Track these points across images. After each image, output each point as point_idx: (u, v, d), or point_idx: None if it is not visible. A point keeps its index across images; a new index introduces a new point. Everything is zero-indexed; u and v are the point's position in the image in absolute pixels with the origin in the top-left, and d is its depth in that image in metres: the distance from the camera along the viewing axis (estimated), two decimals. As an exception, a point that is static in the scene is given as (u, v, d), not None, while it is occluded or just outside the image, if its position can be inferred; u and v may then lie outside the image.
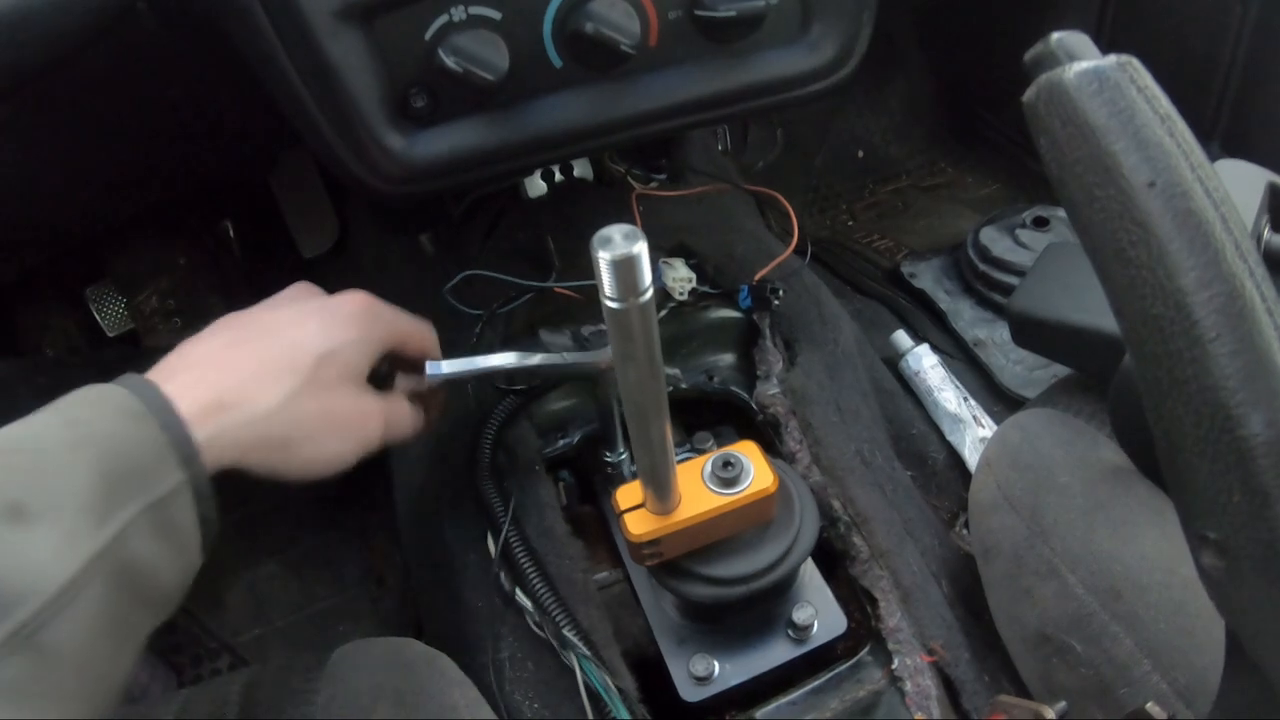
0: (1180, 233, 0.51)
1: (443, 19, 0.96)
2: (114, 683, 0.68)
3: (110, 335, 1.94)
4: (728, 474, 0.96)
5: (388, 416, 0.95)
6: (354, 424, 0.91)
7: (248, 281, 2.00)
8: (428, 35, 0.96)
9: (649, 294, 0.66)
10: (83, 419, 0.72)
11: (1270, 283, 0.52)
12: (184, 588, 0.75)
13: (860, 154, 2.34)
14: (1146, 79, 0.54)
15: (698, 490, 0.96)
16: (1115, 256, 0.53)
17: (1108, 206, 0.53)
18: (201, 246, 2.00)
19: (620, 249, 0.62)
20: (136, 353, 1.92)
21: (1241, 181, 0.92)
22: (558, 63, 1.01)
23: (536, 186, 1.50)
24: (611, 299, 0.66)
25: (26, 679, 0.60)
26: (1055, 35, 0.57)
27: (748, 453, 0.99)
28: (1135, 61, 0.54)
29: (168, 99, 1.24)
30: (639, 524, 0.95)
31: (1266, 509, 0.51)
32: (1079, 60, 0.55)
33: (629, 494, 0.97)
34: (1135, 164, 0.52)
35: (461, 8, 0.96)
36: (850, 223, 2.22)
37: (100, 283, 1.95)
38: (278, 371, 0.86)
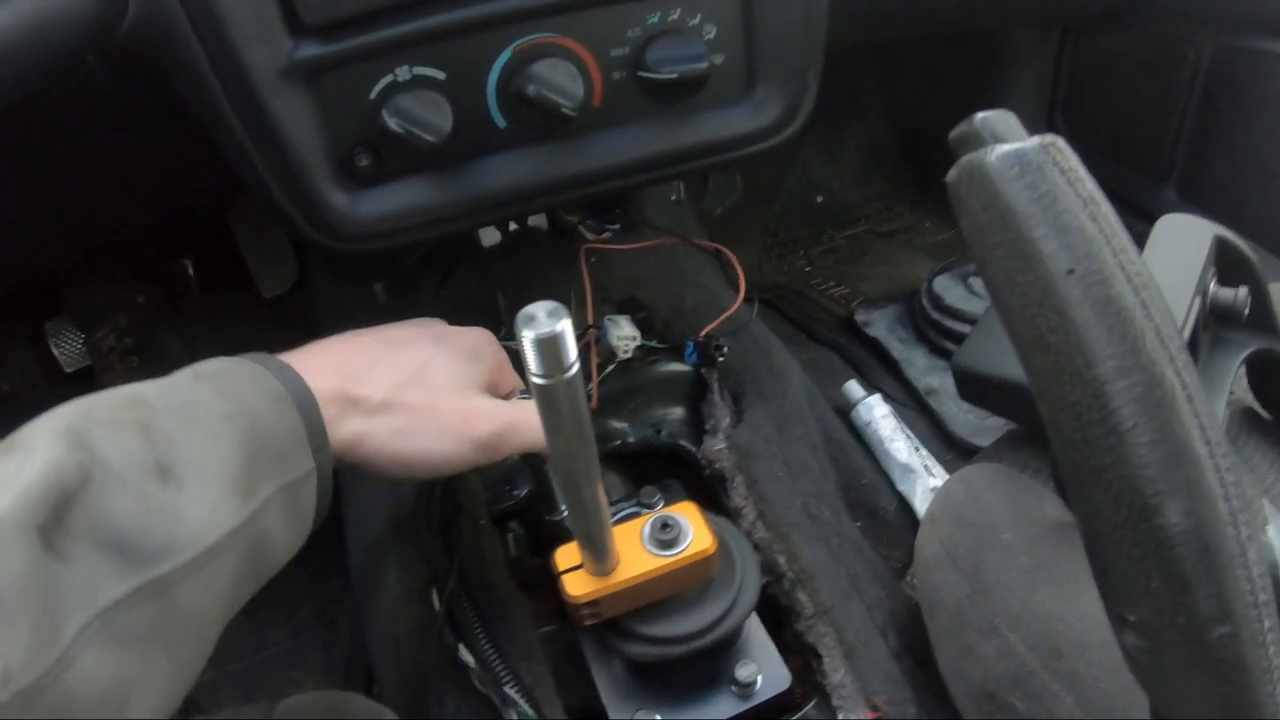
0: (1099, 320, 0.51)
1: (387, 79, 0.96)
2: (212, 643, 0.71)
3: (68, 371, 1.93)
4: (666, 535, 0.96)
5: (511, 421, 0.95)
6: (456, 424, 0.93)
7: (206, 321, 1.98)
8: (372, 95, 0.96)
9: (575, 369, 0.66)
10: (235, 393, 0.76)
11: (1193, 369, 0.52)
12: (287, 563, 0.79)
13: (819, 199, 2.34)
14: (1071, 160, 0.54)
15: (636, 551, 0.96)
16: (1034, 343, 0.53)
17: (1027, 293, 0.53)
18: (160, 285, 1.99)
19: (544, 327, 0.63)
20: (92, 391, 1.90)
21: (1189, 235, 0.93)
22: (502, 123, 1.02)
23: (490, 235, 1.50)
24: (537, 376, 0.66)
25: (151, 627, 0.62)
26: (980, 115, 0.57)
27: (687, 514, 0.99)
28: (1060, 142, 0.54)
29: (123, 142, 1.24)
30: (577, 585, 0.95)
31: (1185, 596, 0.51)
32: (1002, 142, 0.55)
33: (567, 555, 0.97)
34: (1054, 251, 0.52)
35: (406, 68, 0.96)
36: (808, 269, 2.22)
37: (59, 318, 1.93)
38: (387, 368, 0.91)
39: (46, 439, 0.63)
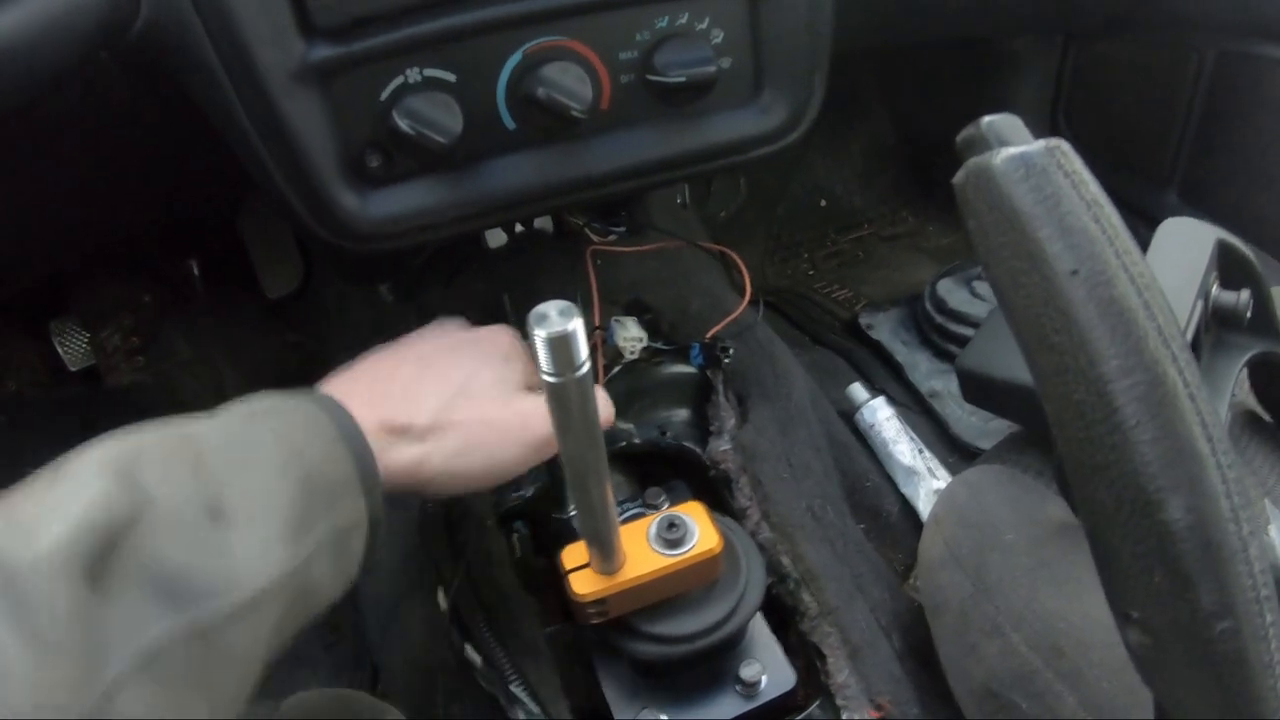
0: (1102, 320, 0.52)
1: (398, 81, 0.96)
2: (254, 686, 0.69)
3: (73, 370, 1.93)
4: (672, 535, 0.97)
5: None
6: (515, 430, 0.93)
7: (212, 321, 1.98)
8: (383, 96, 0.96)
9: (586, 368, 0.67)
10: (289, 435, 0.74)
11: (1195, 368, 0.53)
12: (333, 607, 0.77)
13: (823, 203, 2.34)
14: (1075, 163, 0.55)
15: (643, 551, 0.97)
16: (1039, 342, 0.54)
17: (1032, 293, 0.54)
18: (166, 285, 1.99)
19: (556, 326, 0.64)
20: (98, 391, 1.91)
21: (1191, 239, 0.93)
22: (511, 125, 1.02)
23: (497, 236, 1.50)
24: (549, 374, 0.67)
25: (192, 669, 0.61)
26: (986, 119, 0.58)
27: (693, 514, 1.00)
28: (1064, 145, 0.55)
29: (132, 141, 1.24)
30: (584, 584, 0.95)
31: (1187, 591, 0.52)
32: (1008, 145, 0.55)
33: (574, 554, 0.97)
34: (1059, 252, 0.52)
35: (417, 70, 0.96)
36: (811, 272, 2.22)
37: (64, 317, 1.93)
38: (430, 389, 0.91)
39: (94, 471, 0.62)
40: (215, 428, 0.73)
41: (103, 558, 0.58)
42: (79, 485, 0.61)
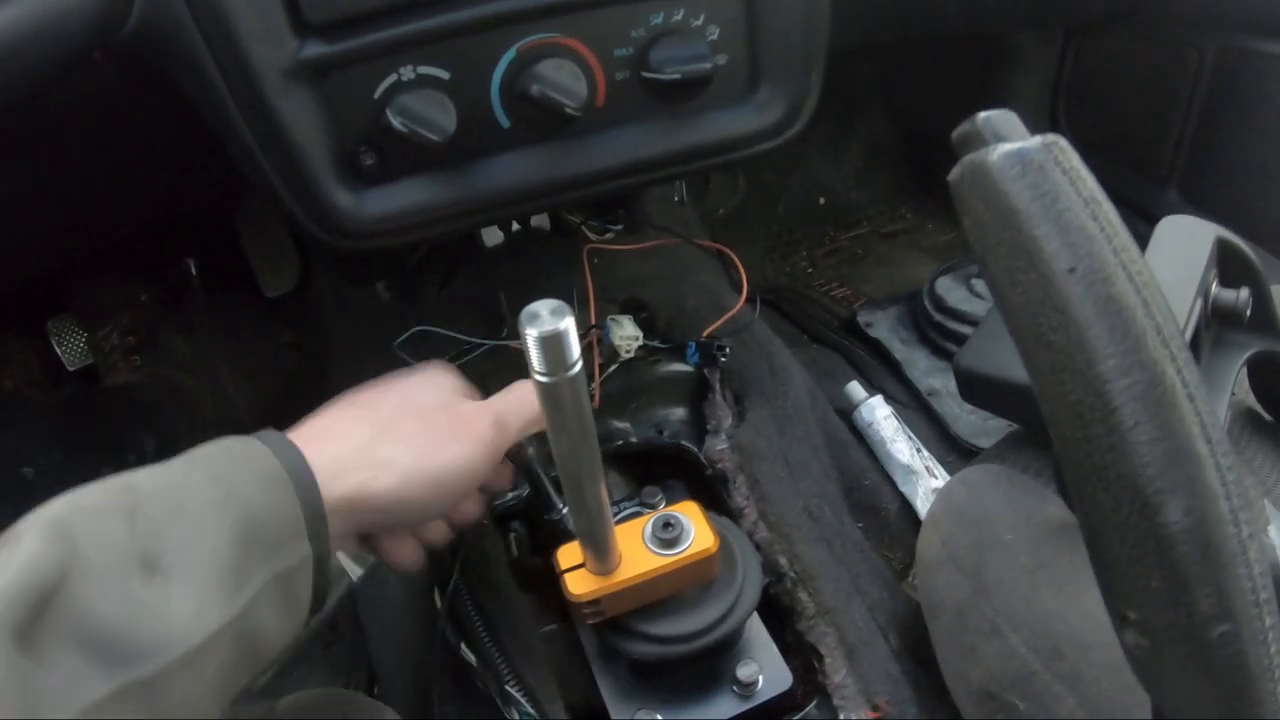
0: (1100, 319, 0.51)
1: (392, 78, 0.96)
2: None
3: (70, 369, 1.92)
4: (668, 535, 0.96)
5: (499, 408, 0.96)
6: (460, 428, 0.93)
7: (209, 320, 1.98)
8: (377, 94, 0.96)
9: (578, 367, 0.67)
10: (225, 477, 0.74)
11: (1194, 368, 0.52)
12: (284, 651, 0.77)
13: (822, 200, 2.34)
14: (1072, 159, 0.54)
15: (638, 550, 0.96)
16: (1036, 341, 0.53)
17: (1029, 291, 0.53)
18: (164, 283, 1.98)
19: (548, 325, 0.63)
20: (96, 390, 1.90)
21: (1190, 237, 0.93)
22: (506, 123, 1.02)
23: (493, 235, 1.50)
24: (541, 374, 0.67)
25: None
26: (982, 115, 0.57)
27: (689, 513, 0.99)
28: (1062, 142, 0.54)
29: (128, 140, 1.24)
30: (579, 584, 0.95)
31: (1186, 594, 0.51)
32: (1004, 141, 0.55)
33: (570, 553, 0.97)
34: (1056, 249, 0.52)
35: (410, 68, 0.96)
36: (810, 270, 2.22)
37: (62, 316, 1.93)
38: (369, 411, 0.92)
39: (33, 532, 0.62)
40: (154, 475, 0.73)
41: (34, 620, 0.58)
42: (17, 548, 0.61)
